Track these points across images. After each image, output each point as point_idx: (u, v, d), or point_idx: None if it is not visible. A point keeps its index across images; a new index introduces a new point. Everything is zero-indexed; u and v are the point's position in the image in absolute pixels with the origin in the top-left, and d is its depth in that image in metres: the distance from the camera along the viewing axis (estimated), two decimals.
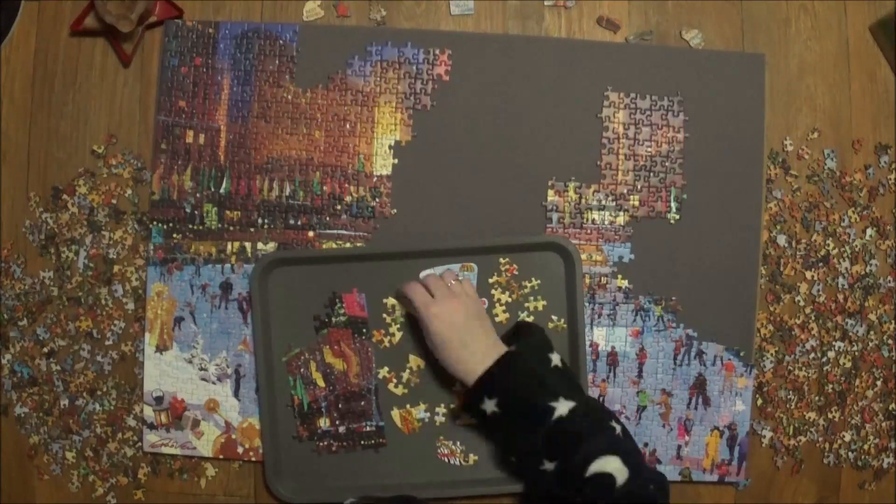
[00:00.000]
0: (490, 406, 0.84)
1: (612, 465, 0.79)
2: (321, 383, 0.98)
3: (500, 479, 0.97)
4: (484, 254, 0.97)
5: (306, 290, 0.98)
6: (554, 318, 0.98)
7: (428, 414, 0.98)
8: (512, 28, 1.01)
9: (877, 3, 1.01)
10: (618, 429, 0.84)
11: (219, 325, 0.99)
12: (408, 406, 0.98)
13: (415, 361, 0.98)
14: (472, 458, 0.98)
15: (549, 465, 0.82)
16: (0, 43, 1.00)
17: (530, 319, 0.98)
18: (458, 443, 0.98)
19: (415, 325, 0.95)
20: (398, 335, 0.98)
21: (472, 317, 0.89)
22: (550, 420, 0.82)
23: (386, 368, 0.98)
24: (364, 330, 0.98)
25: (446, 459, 0.98)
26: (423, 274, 0.95)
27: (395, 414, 0.98)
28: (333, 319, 0.98)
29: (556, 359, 0.88)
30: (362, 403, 0.98)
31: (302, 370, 0.98)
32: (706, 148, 0.99)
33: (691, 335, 0.99)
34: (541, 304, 0.98)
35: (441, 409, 0.98)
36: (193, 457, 1.00)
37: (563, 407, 0.83)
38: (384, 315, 0.98)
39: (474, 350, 0.87)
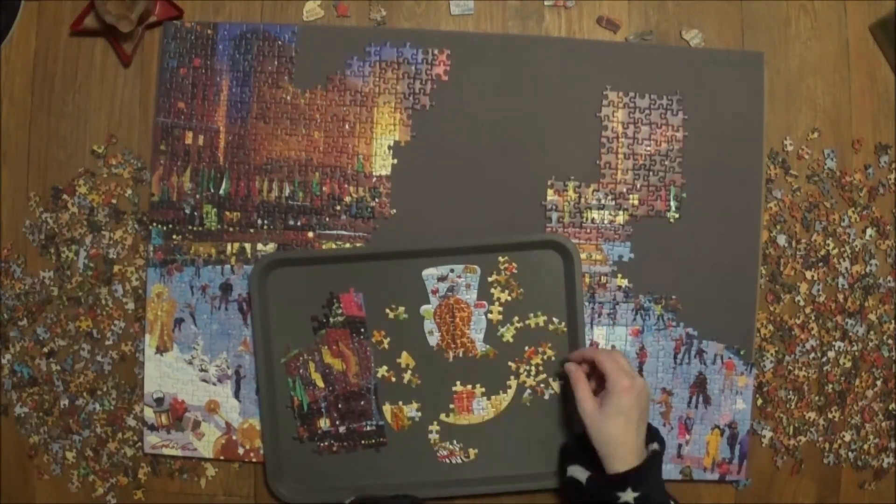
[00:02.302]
0: (628, 496, 0.83)
1: None
2: (320, 384, 0.98)
3: (501, 477, 0.98)
4: (483, 253, 0.97)
5: (306, 291, 0.98)
6: (555, 319, 0.98)
7: (419, 414, 0.98)
8: (512, 28, 1.01)
9: (877, 3, 1.01)
10: None
11: (219, 326, 0.99)
12: (400, 403, 0.98)
13: (406, 359, 0.98)
14: (472, 452, 0.98)
15: None
16: (0, 43, 1.00)
17: (530, 321, 0.98)
18: (455, 441, 0.98)
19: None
20: (396, 336, 0.98)
21: (648, 406, 0.89)
22: None
23: (385, 367, 0.98)
24: (362, 330, 0.98)
25: (447, 460, 0.98)
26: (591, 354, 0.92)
27: (387, 409, 0.98)
28: (331, 320, 0.98)
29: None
30: (362, 403, 0.98)
31: (301, 371, 0.98)
32: (706, 147, 0.99)
33: (691, 334, 0.99)
34: (539, 314, 0.98)
35: (442, 418, 0.98)
36: (194, 457, 1.00)
37: None
38: (386, 312, 0.98)
39: (637, 441, 0.86)
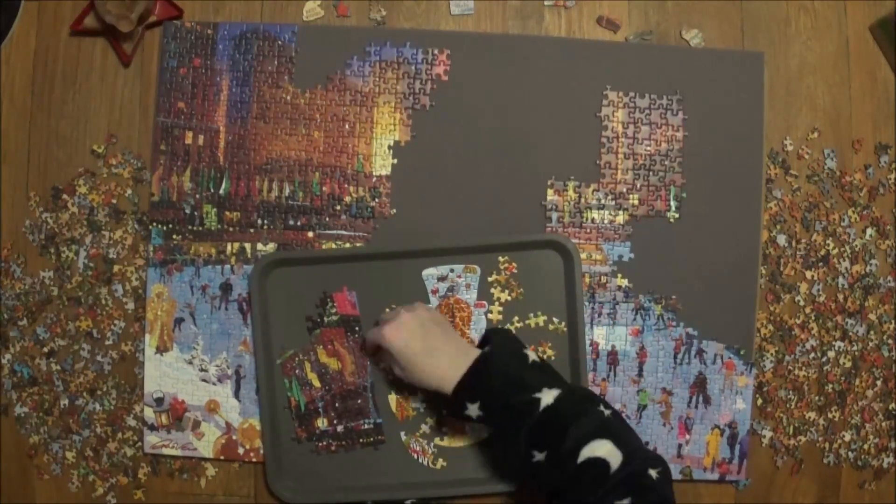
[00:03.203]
0: (474, 410, 0.83)
1: (603, 449, 0.76)
2: (317, 383, 0.98)
3: (502, 477, 0.97)
4: (483, 252, 0.97)
5: (307, 291, 0.98)
6: (555, 319, 0.98)
7: (423, 405, 0.98)
8: (512, 28, 1.01)
9: (877, 3, 1.01)
10: (607, 412, 0.80)
11: (219, 325, 0.99)
12: (406, 392, 0.98)
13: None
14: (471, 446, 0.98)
15: (539, 457, 0.79)
16: (0, 43, 1.00)
17: (530, 321, 0.97)
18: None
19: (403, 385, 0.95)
20: None
21: (428, 323, 0.87)
22: (537, 411, 0.80)
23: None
24: (357, 328, 0.98)
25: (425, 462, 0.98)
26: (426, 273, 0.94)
27: (392, 398, 0.98)
28: (325, 319, 0.98)
29: (532, 355, 0.86)
30: (359, 401, 0.98)
31: (297, 371, 0.98)
32: (706, 147, 0.99)
33: (691, 334, 0.99)
34: (539, 314, 0.98)
35: (437, 441, 0.98)
36: (194, 457, 1.00)
37: (547, 396, 0.80)
38: (380, 313, 0.98)
39: (442, 355, 0.85)
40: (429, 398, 0.97)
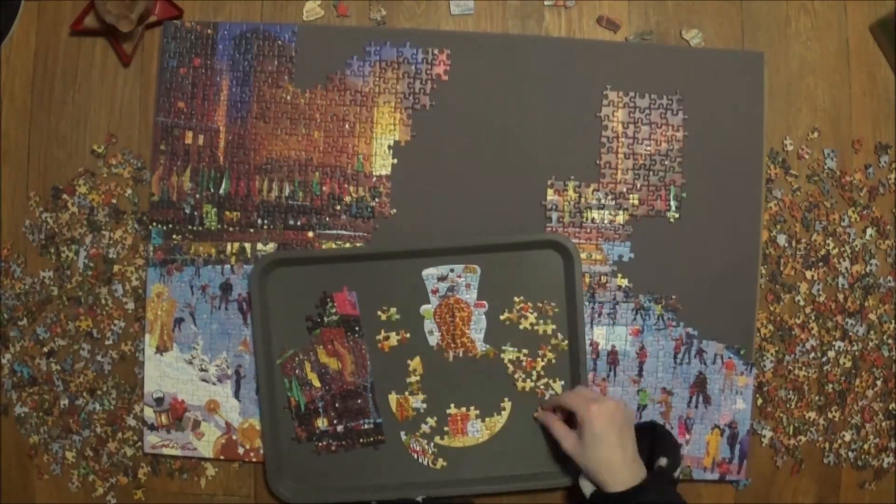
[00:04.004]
0: None
1: None
2: (317, 383, 0.98)
3: (502, 477, 0.98)
4: (483, 252, 0.97)
5: (306, 291, 0.98)
6: (555, 319, 0.98)
7: (424, 406, 0.98)
8: (512, 28, 1.01)
9: (877, 3, 1.01)
10: None
11: (219, 325, 0.99)
12: (406, 394, 0.98)
13: (415, 364, 0.98)
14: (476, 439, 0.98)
15: None
16: (0, 43, 1.00)
17: (530, 321, 0.98)
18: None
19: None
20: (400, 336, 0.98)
21: (628, 421, 0.89)
22: None
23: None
24: (357, 328, 0.98)
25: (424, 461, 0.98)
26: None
27: (393, 399, 0.98)
28: (325, 319, 0.98)
29: (677, 475, 0.91)
30: (359, 401, 0.98)
31: (297, 371, 0.98)
32: (706, 147, 0.99)
33: (691, 334, 0.99)
34: (540, 314, 0.98)
35: (437, 440, 0.98)
36: (194, 457, 1.00)
37: None
38: (390, 312, 0.98)
39: (626, 458, 0.87)
40: (430, 399, 0.98)
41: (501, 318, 0.98)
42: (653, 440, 0.92)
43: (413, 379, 0.98)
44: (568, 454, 0.91)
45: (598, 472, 0.87)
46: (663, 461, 0.89)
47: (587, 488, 0.89)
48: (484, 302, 0.98)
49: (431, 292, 0.98)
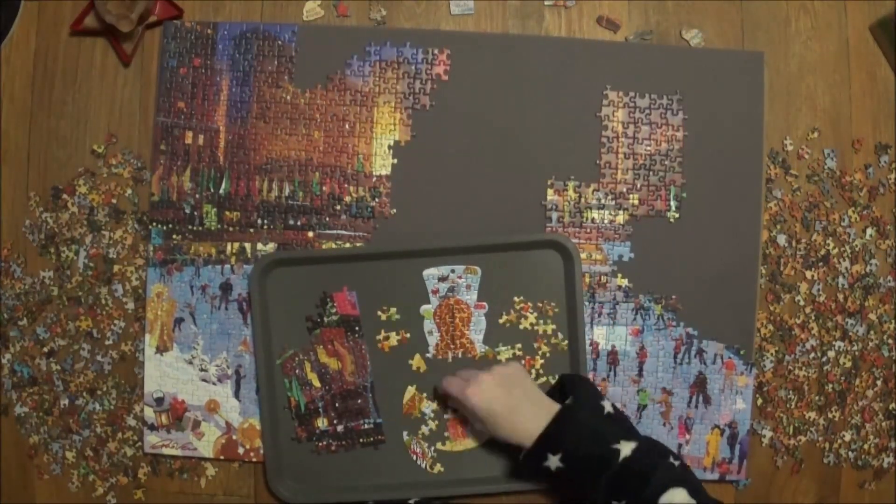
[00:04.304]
0: (554, 462, 0.83)
1: (679, 497, 0.80)
2: (317, 383, 0.98)
3: (502, 477, 0.98)
4: (483, 252, 0.97)
5: (306, 291, 0.98)
6: (555, 319, 0.98)
7: (433, 413, 0.98)
8: (512, 28, 1.01)
9: (877, 3, 1.01)
10: (677, 463, 0.85)
11: (219, 325, 0.99)
12: (424, 394, 0.98)
13: (418, 362, 0.98)
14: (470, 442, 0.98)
15: None
16: (0, 43, 1.00)
17: (530, 321, 0.98)
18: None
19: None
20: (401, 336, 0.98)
21: (510, 384, 0.88)
22: (616, 463, 0.82)
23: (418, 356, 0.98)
24: (357, 328, 0.98)
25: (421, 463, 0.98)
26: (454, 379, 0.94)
27: (410, 391, 0.98)
28: (325, 319, 0.98)
29: (608, 406, 0.88)
30: (359, 401, 0.98)
31: (297, 371, 0.98)
32: (706, 147, 0.99)
33: (691, 334, 0.99)
34: (539, 314, 0.98)
35: (439, 446, 0.98)
36: (194, 457, 1.00)
37: (626, 448, 0.83)
38: (391, 312, 0.98)
39: (525, 412, 0.86)
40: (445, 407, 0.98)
41: (501, 321, 0.98)
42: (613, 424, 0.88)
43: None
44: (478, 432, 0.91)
45: (510, 441, 0.87)
46: (569, 399, 0.87)
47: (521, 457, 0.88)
48: (484, 303, 0.98)
49: (432, 292, 0.98)
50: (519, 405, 0.87)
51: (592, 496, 0.82)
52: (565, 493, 0.92)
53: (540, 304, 0.98)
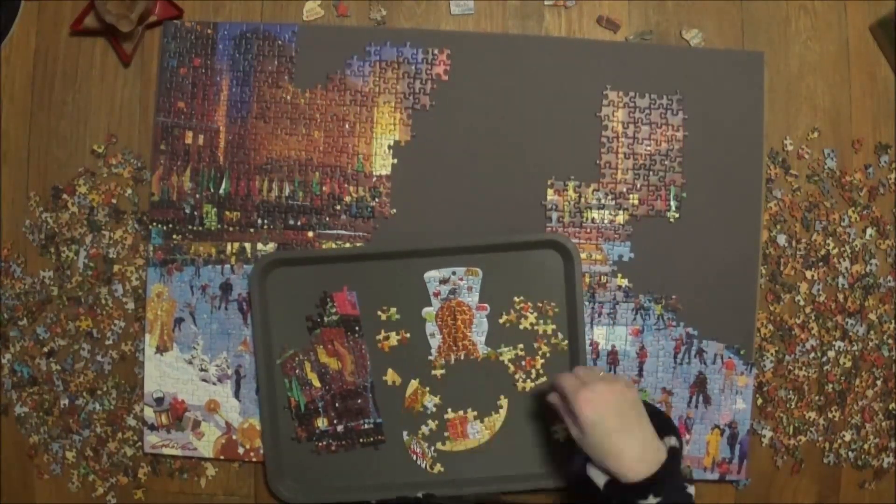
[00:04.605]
0: (651, 501, 0.78)
1: None
2: (317, 383, 0.98)
3: (503, 477, 0.98)
4: (483, 252, 0.97)
5: (306, 291, 0.98)
6: (555, 319, 0.98)
7: (434, 409, 0.98)
8: (512, 28, 1.01)
9: (877, 3, 1.01)
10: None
11: (219, 325, 0.99)
12: (427, 388, 0.98)
13: (439, 361, 0.98)
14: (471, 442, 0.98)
15: None
16: (0, 43, 1.00)
17: (530, 321, 0.98)
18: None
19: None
20: (403, 335, 0.98)
21: (628, 403, 0.82)
22: None
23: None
24: (357, 328, 0.98)
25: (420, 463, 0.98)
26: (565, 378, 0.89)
27: (413, 384, 0.98)
28: (325, 319, 0.98)
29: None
30: (359, 401, 0.98)
31: (297, 371, 0.98)
32: (706, 147, 0.99)
33: (691, 334, 0.99)
34: (539, 314, 0.98)
35: (439, 447, 0.98)
36: (194, 457, 1.00)
37: (692, 490, 0.82)
38: (391, 312, 0.98)
39: (635, 441, 0.80)
40: (446, 401, 0.98)
41: (501, 321, 0.98)
42: (651, 419, 0.85)
43: (437, 371, 0.98)
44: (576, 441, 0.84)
45: (606, 462, 0.80)
46: (673, 440, 0.82)
47: (599, 478, 0.81)
48: (486, 305, 0.98)
49: (433, 295, 0.98)
50: (631, 431, 0.81)
51: None
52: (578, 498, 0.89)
53: (540, 304, 0.98)
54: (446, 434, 0.98)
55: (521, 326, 0.98)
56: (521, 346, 0.98)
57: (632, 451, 0.79)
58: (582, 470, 0.83)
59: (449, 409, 0.98)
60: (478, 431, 0.98)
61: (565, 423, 0.85)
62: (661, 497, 0.78)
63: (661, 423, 0.84)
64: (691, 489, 0.82)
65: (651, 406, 0.87)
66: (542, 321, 0.98)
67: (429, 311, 0.98)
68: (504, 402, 0.98)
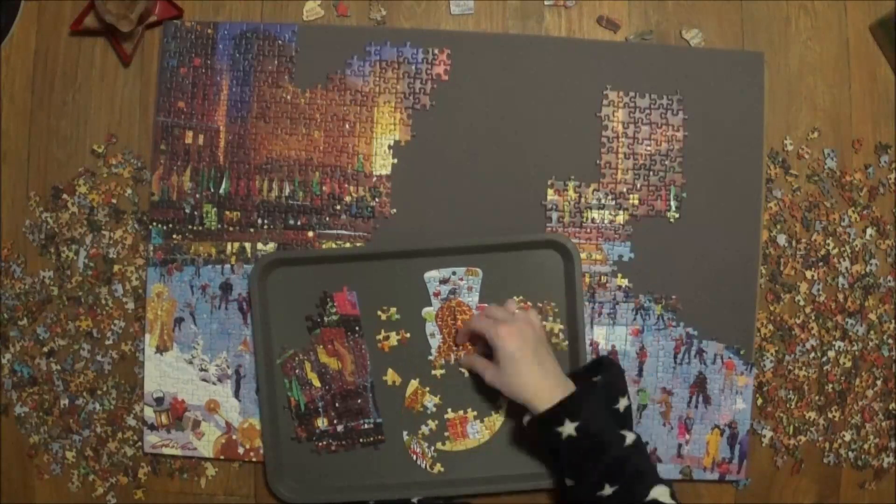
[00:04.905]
0: (569, 429, 0.84)
1: (664, 496, 0.82)
2: (317, 383, 0.98)
3: (503, 477, 0.98)
4: (483, 252, 0.97)
5: (306, 291, 0.98)
6: (555, 319, 0.98)
7: (435, 409, 0.98)
8: (512, 28, 1.01)
9: (877, 3, 1.01)
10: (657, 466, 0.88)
11: (219, 325, 0.99)
12: (427, 388, 0.98)
13: (439, 361, 0.98)
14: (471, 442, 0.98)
15: (608, 490, 0.82)
16: (0, 43, 1.00)
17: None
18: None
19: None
20: (403, 335, 0.98)
21: (541, 341, 0.89)
22: (621, 447, 0.84)
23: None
24: (357, 328, 0.98)
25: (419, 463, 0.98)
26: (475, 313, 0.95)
27: (413, 384, 0.98)
28: (325, 319, 0.98)
29: (623, 401, 0.89)
30: (359, 401, 0.98)
31: (297, 371, 0.98)
32: (706, 147, 0.99)
33: (691, 334, 0.99)
34: (540, 314, 0.98)
35: (439, 446, 0.98)
36: (194, 457, 1.00)
37: (629, 437, 0.85)
38: (390, 312, 0.98)
39: (549, 372, 0.87)
40: (446, 397, 0.98)
41: None
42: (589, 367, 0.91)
43: (437, 371, 0.98)
44: (492, 386, 0.89)
45: (522, 394, 0.86)
46: (597, 378, 0.88)
47: (525, 419, 0.88)
48: (486, 305, 0.98)
49: (433, 295, 0.98)
50: (546, 362, 0.87)
51: (591, 472, 0.83)
52: (557, 469, 0.91)
53: (540, 304, 0.98)
54: (446, 434, 0.98)
55: None
56: None
57: (544, 381, 0.86)
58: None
59: (449, 409, 0.98)
60: (478, 431, 0.98)
61: (477, 369, 0.91)
62: (578, 421, 0.83)
63: (596, 364, 0.92)
64: (630, 435, 0.85)
65: (626, 412, 0.91)
66: (542, 321, 0.97)
67: (429, 311, 0.98)
68: (504, 401, 0.98)
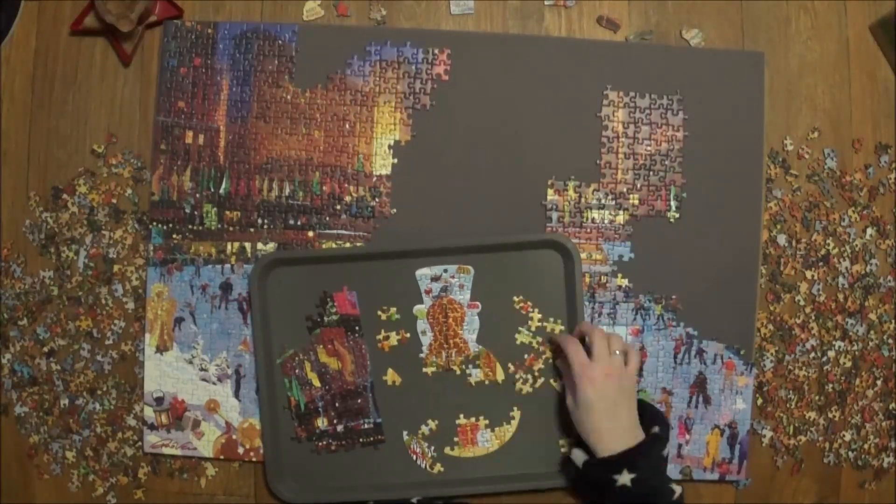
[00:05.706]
0: (625, 478, 0.84)
1: None
2: (317, 383, 0.98)
3: (504, 477, 0.98)
4: (483, 252, 0.97)
5: (306, 291, 0.98)
6: (555, 319, 0.98)
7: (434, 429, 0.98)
8: (512, 28, 1.01)
9: (877, 3, 1.01)
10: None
11: (219, 325, 0.99)
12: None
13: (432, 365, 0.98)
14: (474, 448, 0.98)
15: None
16: (0, 43, 1.00)
17: (530, 321, 0.97)
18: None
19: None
20: (403, 335, 0.98)
21: (624, 393, 0.88)
22: (670, 501, 0.85)
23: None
24: (357, 328, 0.98)
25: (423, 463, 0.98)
26: (577, 330, 0.95)
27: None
28: (325, 319, 0.98)
29: (666, 450, 0.90)
30: (359, 401, 0.98)
31: (297, 371, 0.98)
32: (706, 147, 0.99)
33: (691, 334, 0.99)
34: (537, 310, 0.98)
35: (447, 451, 0.98)
36: (194, 457, 1.00)
37: (677, 491, 0.86)
38: (390, 312, 0.98)
39: (617, 426, 0.87)
40: (445, 397, 0.98)
41: (500, 321, 0.98)
42: (642, 413, 0.91)
43: (428, 370, 0.98)
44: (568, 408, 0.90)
45: (588, 436, 0.88)
46: (657, 428, 0.89)
47: (579, 458, 0.88)
48: (477, 303, 0.98)
49: (425, 292, 0.98)
50: (618, 414, 0.87)
51: None
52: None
53: (540, 304, 0.98)
54: (455, 439, 0.98)
55: (522, 326, 0.98)
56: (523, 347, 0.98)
57: (613, 432, 0.87)
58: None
59: (461, 415, 0.98)
60: (487, 440, 0.98)
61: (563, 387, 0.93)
62: (635, 473, 0.84)
63: (652, 414, 0.90)
64: (678, 489, 0.86)
65: (646, 403, 0.92)
66: (542, 321, 0.98)
67: (420, 309, 0.98)
68: (517, 413, 0.98)
